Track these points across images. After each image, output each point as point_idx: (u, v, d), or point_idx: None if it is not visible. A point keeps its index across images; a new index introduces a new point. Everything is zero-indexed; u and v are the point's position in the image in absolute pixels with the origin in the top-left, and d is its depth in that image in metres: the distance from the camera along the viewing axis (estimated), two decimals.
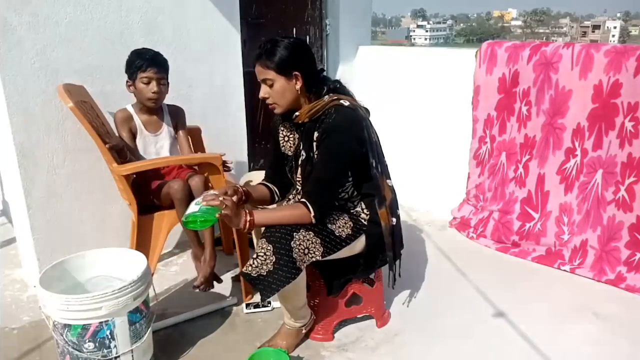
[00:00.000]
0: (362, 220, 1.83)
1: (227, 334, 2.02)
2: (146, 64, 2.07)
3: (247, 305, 2.16)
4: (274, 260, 1.63)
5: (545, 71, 2.57)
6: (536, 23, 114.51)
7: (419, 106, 3.24)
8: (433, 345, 1.94)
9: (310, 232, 1.70)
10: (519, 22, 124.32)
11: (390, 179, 1.91)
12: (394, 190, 1.92)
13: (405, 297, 2.27)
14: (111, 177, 2.36)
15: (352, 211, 1.84)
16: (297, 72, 1.69)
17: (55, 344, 1.66)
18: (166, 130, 2.24)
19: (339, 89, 1.80)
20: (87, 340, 1.58)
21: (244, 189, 1.81)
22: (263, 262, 1.63)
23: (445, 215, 3.15)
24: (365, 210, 1.84)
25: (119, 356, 1.63)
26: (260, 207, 1.92)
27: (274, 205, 1.96)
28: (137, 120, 2.19)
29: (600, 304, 2.20)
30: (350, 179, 1.80)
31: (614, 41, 75.07)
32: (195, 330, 2.03)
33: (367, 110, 1.86)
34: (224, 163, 2.21)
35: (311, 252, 1.70)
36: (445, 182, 3.18)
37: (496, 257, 2.70)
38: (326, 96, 1.75)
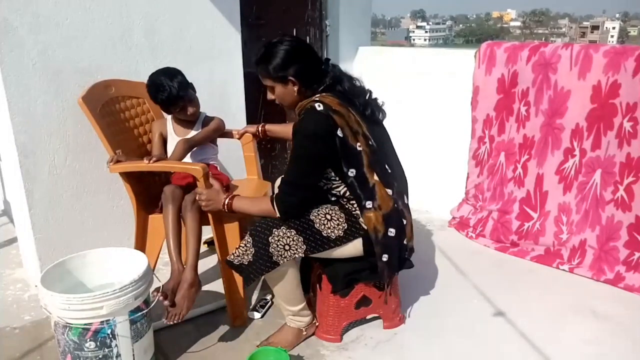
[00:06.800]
0: (362, 224, 1.79)
1: (227, 333, 2.02)
2: (174, 99, 2.04)
3: (255, 310, 2.14)
4: (253, 252, 1.75)
5: (544, 72, 2.58)
6: (535, 24, 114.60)
7: (418, 106, 3.25)
8: (433, 345, 1.95)
9: (292, 230, 1.74)
10: (518, 23, 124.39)
11: (391, 188, 1.79)
12: (397, 202, 1.81)
13: (405, 296, 2.27)
14: (112, 176, 2.37)
15: (353, 213, 1.80)
16: (291, 77, 1.72)
17: (56, 344, 1.67)
18: (193, 135, 2.18)
19: (332, 86, 1.76)
20: (88, 340, 1.59)
21: (262, 127, 2.30)
22: (244, 252, 1.76)
23: (445, 215, 3.16)
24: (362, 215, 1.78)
25: (120, 355, 1.64)
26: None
27: None
28: (170, 125, 2.19)
29: (599, 303, 2.21)
30: (337, 178, 1.76)
31: (612, 42, 75.11)
32: (195, 329, 2.03)
33: (362, 116, 1.77)
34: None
35: (292, 248, 1.73)
36: (444, 182, 3.19)
37: (495, 257, 2.70)
38: (317, 95, 1.74)
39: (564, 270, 2.51)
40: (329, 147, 1.69)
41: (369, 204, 1.75)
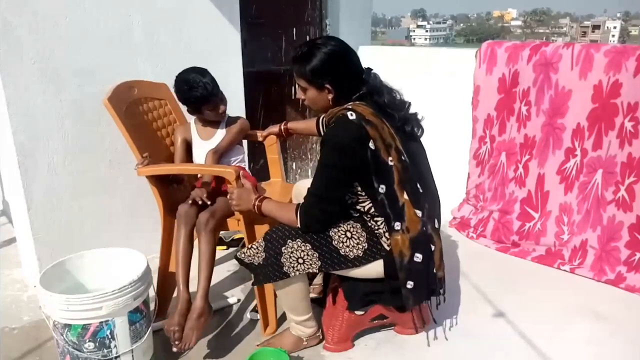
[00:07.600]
0: (384, 244, 1.70)
1: (227, 334, 2.02)
2: (205, 99, 2.01)
3: (255, 310, 2.13)
4: (263, 256, 1.71)
5: (545, 71, 2.57)
6: (536, 23, 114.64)
7: (418, 106, 3.22)
8: (434, 345, 1.94)
9: (307, 244, 1.68)
10: (518, 22, 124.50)
11: (421, 210, 1.69)
12: (426, 225, 1.70)
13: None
14: (111, 177, 2.37)
15: (376, 232, 1.71)
16: (328, 85, 1.64)
17: (55, 344, 1.66)
18: (217, 138, 2.15)
19: (369, 96, 1.68)
20: (87, 340, 1.58)
21: (284, 126, 2.28)
22: (255, 254, 1.74)
23: (445, 215, 3.14)
24: (387, 234, 1.69)
25: (119, 356, 1.64)
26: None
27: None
28: (194, 129, 2.16)
29: (600, 304, 2.20)
30: (363, 193, 1.68)
31: (613, 41, 75.07)
32: None
33: (397, 129, 1.69)
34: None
35: (306, 263, 1.68)
36: (445, 182, 3.16)
37: (496, 257, 2.70)
38: (350, 103, 1.66)
39: (565, 270, 2.50)
40: (359, 159, 1.59)
41: (397, 226, 1.65)
